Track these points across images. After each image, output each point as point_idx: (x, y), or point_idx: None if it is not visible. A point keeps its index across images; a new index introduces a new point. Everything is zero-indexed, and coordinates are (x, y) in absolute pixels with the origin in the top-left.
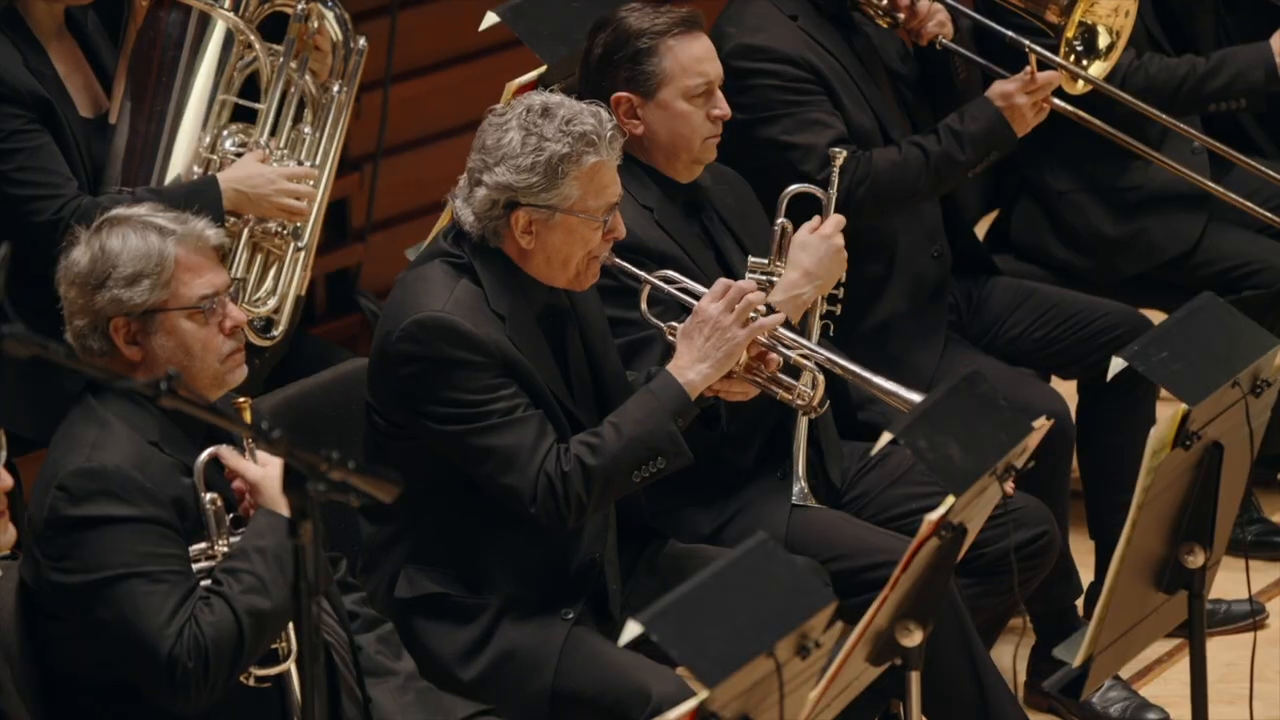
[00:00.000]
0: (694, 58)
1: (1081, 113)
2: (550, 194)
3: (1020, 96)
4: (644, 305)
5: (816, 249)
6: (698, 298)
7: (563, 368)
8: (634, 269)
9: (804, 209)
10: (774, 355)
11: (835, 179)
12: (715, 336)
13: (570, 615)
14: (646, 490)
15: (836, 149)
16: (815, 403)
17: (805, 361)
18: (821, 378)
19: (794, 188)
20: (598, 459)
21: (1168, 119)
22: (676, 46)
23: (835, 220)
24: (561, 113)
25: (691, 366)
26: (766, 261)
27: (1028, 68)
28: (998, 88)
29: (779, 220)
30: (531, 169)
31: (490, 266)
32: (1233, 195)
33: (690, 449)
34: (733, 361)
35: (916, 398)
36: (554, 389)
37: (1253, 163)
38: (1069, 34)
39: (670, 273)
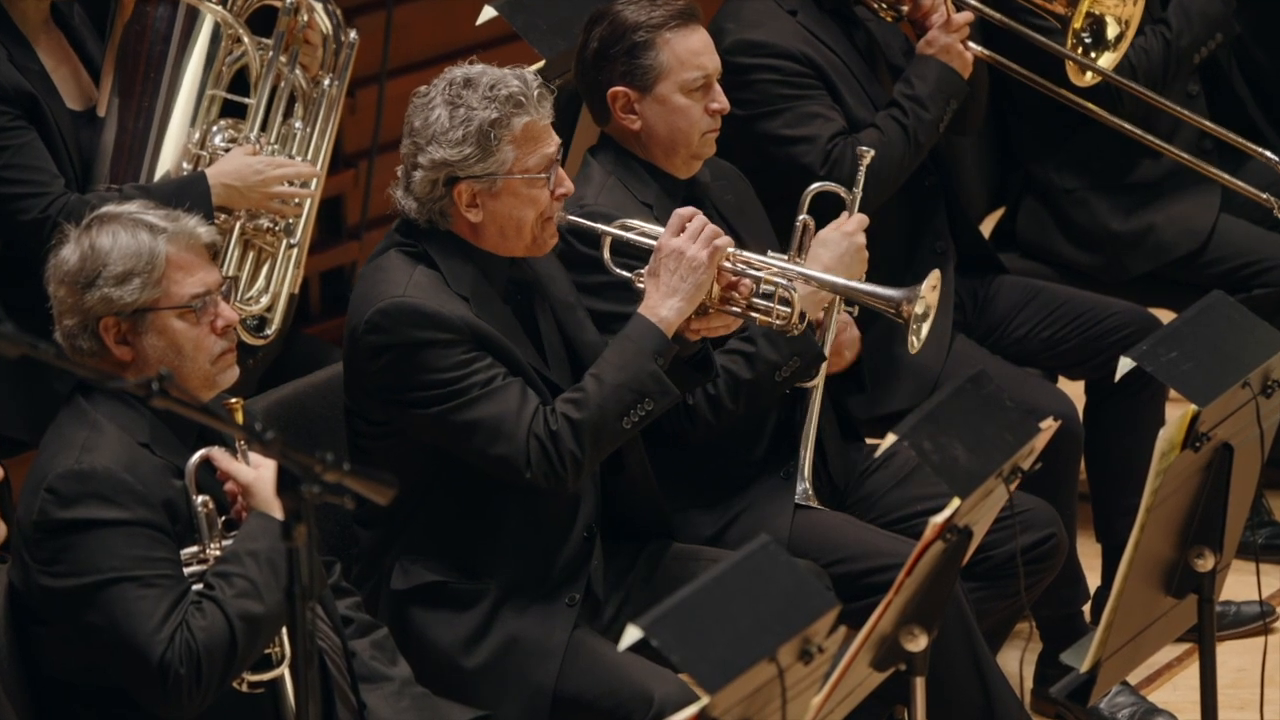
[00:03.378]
0: (691, 51)
1: (1088, 104)
2: (487, 162)
3: (944, 37)
4: (606, 255)
5: (837, 244)
6: (657, 239)
7: (535, 340)
8: (590, 223)
9: (809, 208)
10: (745, 281)
11: (861, 178)
12: (682, 267)
13: (574, 600)
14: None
15: (864, 148)
16: (794, 319)
17: (778, 279)
18: (796, 293)
19: (816, 186)
20: (584, 412)
21: (1180, 110)
22: (673, 39)
23: (859, 219)
24: (485, 80)
25: (663, 303)
26: (786, 257)
27: (941, 10)
28: (923, 40)
29: (801, 216)
30: (464, 140)
31: (444, 250)
32: (1245, 185)
33: (692, 437)
34: (704, 291)
35: (894, 293)
36: (529, 360)
37: (1265, 152)
38: (1076, 25)
39: (628, 220)
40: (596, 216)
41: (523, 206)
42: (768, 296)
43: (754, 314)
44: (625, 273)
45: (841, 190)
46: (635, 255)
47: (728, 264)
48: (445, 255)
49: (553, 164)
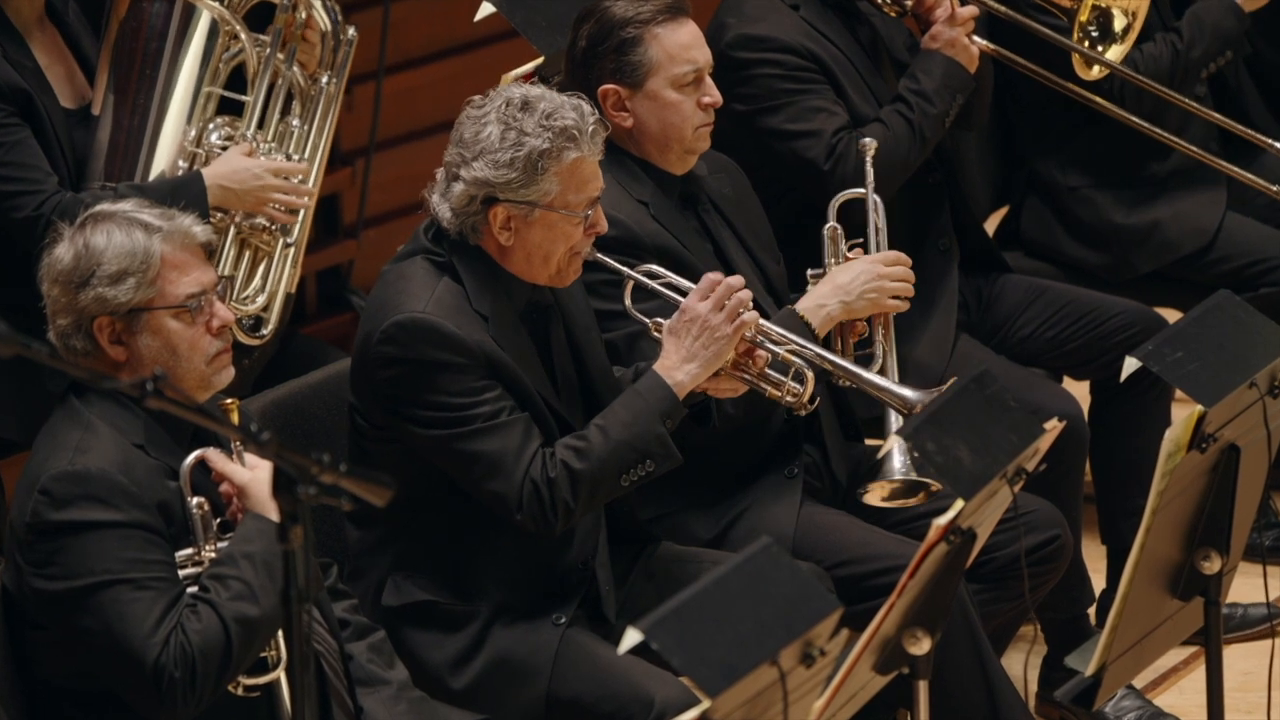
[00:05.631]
0: (680, 45)
1: (1095, 98)
2: (529, 190)
3: (949, 32)
4: (628, 300)
5: (854, 269)
6: (682, 292)
7: (548, 367)
8: (617, 264)
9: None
10: (762, 352)
11: (869, 171)
12: (704, 335)
13: (562, 620)
14: (648, 491)
15: (867, 140)
16: (805, 399)
17: (794, 358)
18: (811, 374)
19: (839, 197)
20: (584, 463)
21: (1190, 102)
22: (662, 34)
23: (891, 255)
24: (542, 106)
25: (679, 366)
26: (823, 270)
27: (946, 4)
28: (928, 35)
29: (829, 225)
30: (510, 164)
31: (470, 265)
32: (1254, 178)
33: (688, 446)
34: (721, 360)
35: (911, 394)
36: (540, 389)
37: (1276, 144)
38: (1082, 18)
39: (654, 267)
40: (636, 258)
41: (555, 240)
42: (783, 370)
43: (765, 385)
44: (644, 318)
45: (861, 194)
46: (657, 297)
47: (748, 333)
48: (471, 271)
49: (594, 204)
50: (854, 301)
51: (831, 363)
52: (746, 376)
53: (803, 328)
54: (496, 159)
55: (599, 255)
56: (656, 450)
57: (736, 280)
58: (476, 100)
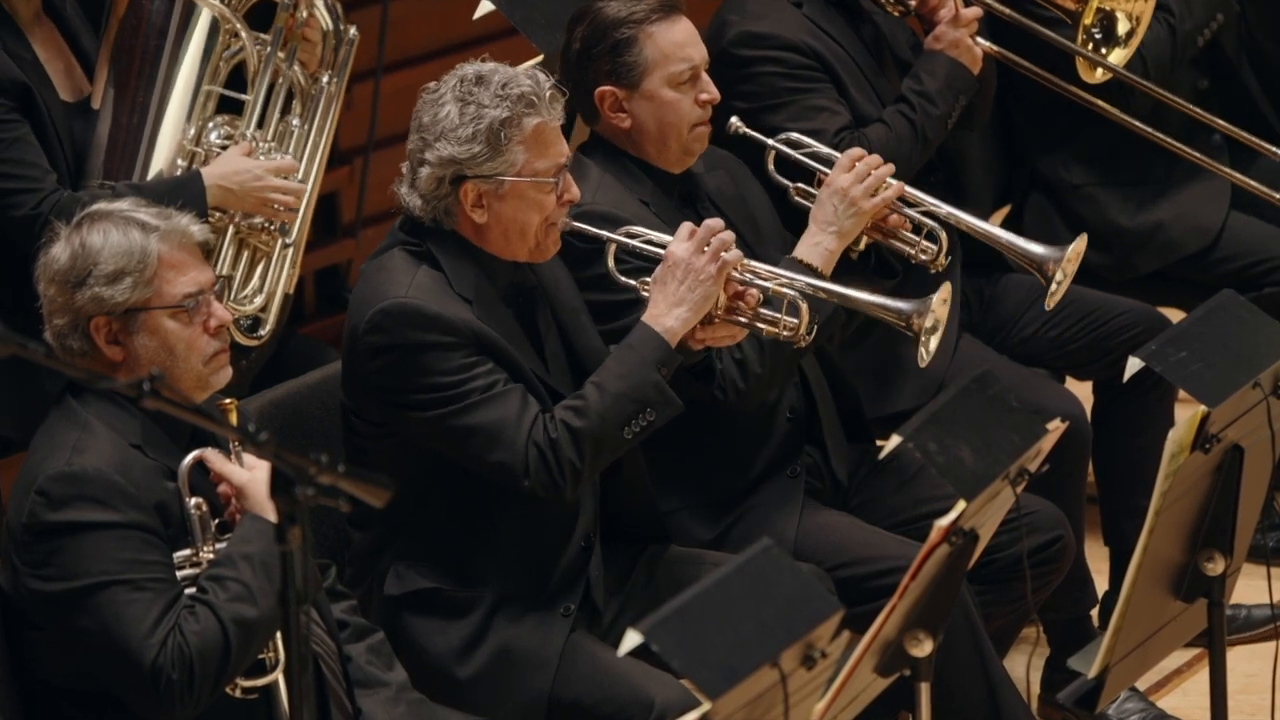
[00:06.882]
0: (675, 43)
1: (1098, 100)
2: (496, 162)
3: (953, 33)
4: (611, 263)
5: (822, 199)
6: (664, 247)
7: (536, 346)
8: (595, 230)
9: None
10: (752, 291)
11: (752, 132)
12: (689, 279)
13: (570, 610)
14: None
15: (734, 119)
16: (803, 330)
17: (786, 290)
18: (805, 305)
19: (771, 168)
20: (584, 420)
21: (1190, 106)
22: (656, 33)
23: (844, 161)
24: (496, 78)
25: (668, 313)
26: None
27: (949, 5)
28: (931, 35)
29: (790, 189)
30: (474, 138)
31: (448, 250)
32: (1256, 184)
33: (724, 407)
34: (710, 302)
35: (905, 305)
36: (530, 366)
37: (1276, 150)
38: (1087, 21)
39: (633, 228)
40: (601, 221)
41: (528, 210)
42: (775, 305)
43: (760, 324)
44: (630, 280)
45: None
46: (640, 257)
47: (735, 273)
48: (449, 255)
49: (561, 170)
50: (842, 225)
51: (825, 289)
52: (740, 319)
53: (807, 271)
54: (459, 135)
55: (575, 224)
56: (655, 398)
57: (716, 223)
58: (431, 86)
